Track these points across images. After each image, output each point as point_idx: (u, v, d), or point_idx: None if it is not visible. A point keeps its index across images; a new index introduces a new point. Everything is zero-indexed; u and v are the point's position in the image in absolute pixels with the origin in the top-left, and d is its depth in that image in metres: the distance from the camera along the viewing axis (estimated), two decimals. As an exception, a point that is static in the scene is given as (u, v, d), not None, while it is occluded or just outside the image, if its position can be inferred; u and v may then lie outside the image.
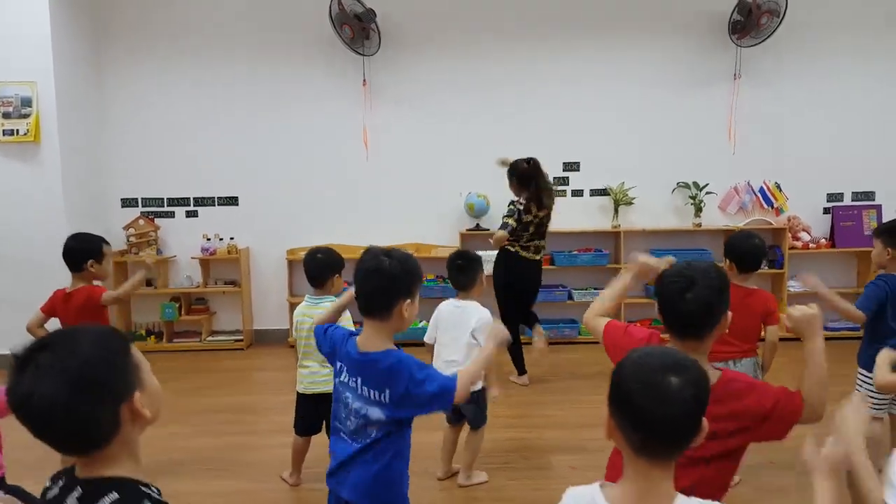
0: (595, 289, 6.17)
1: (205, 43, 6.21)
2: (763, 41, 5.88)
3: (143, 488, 1.17)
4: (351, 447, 1.97)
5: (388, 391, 1.89)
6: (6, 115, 5.50)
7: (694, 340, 1.70)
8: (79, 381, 1.08)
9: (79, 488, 1.16)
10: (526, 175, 4.79)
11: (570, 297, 6.18)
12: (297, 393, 3.26)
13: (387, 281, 1.91)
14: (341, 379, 2.02)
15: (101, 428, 1.12)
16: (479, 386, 3.19)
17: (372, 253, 1.97)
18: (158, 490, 1.20)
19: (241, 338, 6.27)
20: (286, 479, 3.36)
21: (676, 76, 6.23)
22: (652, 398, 1.18)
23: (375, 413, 1.91)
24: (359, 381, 1.95)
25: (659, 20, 6.18)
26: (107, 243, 3.35)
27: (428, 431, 3.03)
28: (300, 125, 6.26)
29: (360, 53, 6.01)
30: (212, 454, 3.77)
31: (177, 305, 6.22)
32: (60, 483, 1.20)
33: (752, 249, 3.22)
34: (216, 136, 6.27)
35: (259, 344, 6.38)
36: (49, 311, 3.25)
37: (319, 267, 3.18)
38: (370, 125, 6.19)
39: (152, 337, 6.24)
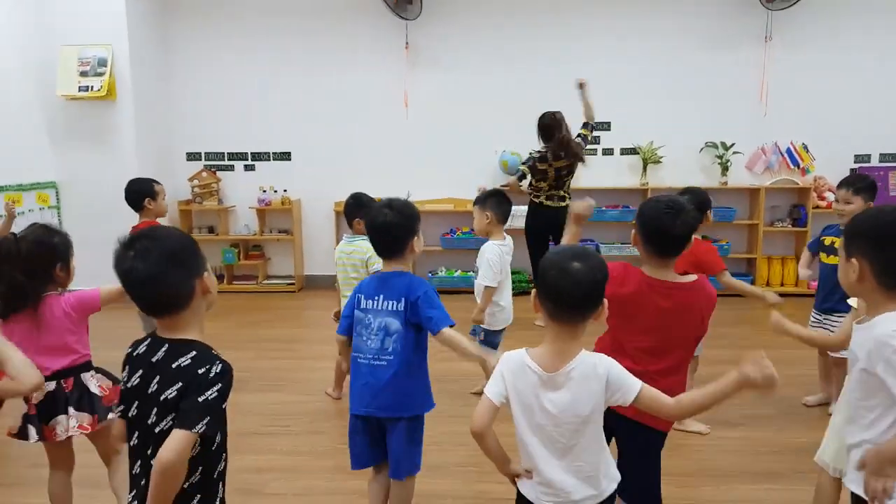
0: (622, 243, 6.54)
1: (260, 9, 6.70)
2: (793, 4, 6.02)
3: (214, 351, 1.54)
4: (380, 369, 2.24)
5: (404, 299, 2.24)
6: (83, 74, 6.13)
7: (671, 258, 2.05)
8: (168, 258, 1.48)
9: (166, 345, 1.52)
10: (547, 127, 5.23)
11: (598, 251, 6.55)
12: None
13: (394, 229, 2.28)
14: (361, 307, 2.31)
15: (182, 294, 1.52)
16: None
17: (376, 209, 2.33)
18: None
19: (293, 282, 6.88)
20: (330, 393, 3.93)
21: (707, 37, 6.42)
22: (561, 276, 1.60)
23: (394, 324, 2.24)
24: (380, 297, 2.28)
25: (692, -17, 6.36)
26: (158, 183, 3.97)
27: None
28: (347, 86, 6.72)
29: (402, 17, 6.39)
30: (268, 374, 4.37)
31: (236, 251, 6.86)
32: (146, 343, 1.56)
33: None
34: (271, 96, 6.80)
35: (309, 287, 6.99)
36: None
37: (349, 211, 3.64)
38: (410, 86, 6.61)
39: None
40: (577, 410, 1.61)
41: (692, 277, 2.08)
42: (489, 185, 6.56)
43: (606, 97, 6.49)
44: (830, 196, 6.42)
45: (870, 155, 6.50)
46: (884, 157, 6.49)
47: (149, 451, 1.50)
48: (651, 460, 2.15)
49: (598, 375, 1.61)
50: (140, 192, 3.87)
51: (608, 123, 6.63)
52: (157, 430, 1.48)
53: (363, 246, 3.48)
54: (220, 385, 1.47)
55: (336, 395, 3.90)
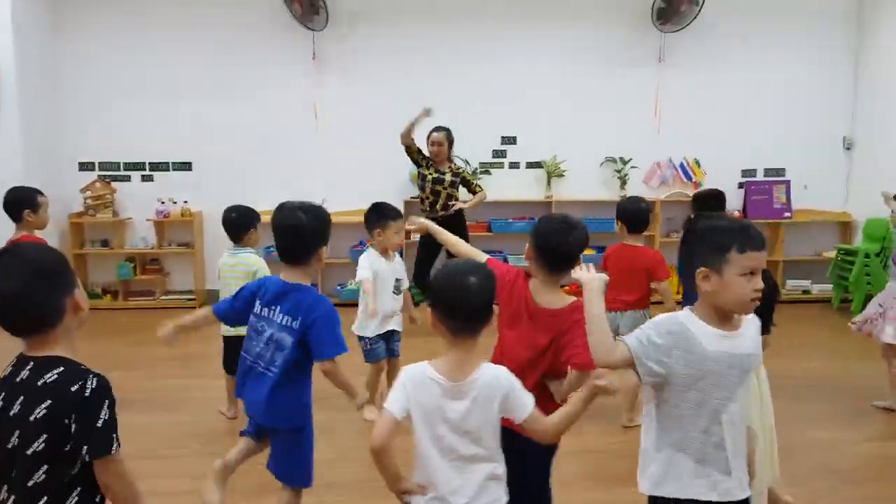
0: (528, 254, 6.68)
1: (159, 13, 6.45)
2: (684, 28, 6.37)
3: (83, 367, 1.47)
4: (264, 376, 2.23)
5: (301, 318, 2.18)
6: (-37, 80, 5.71)
7: (559, 275, 2.09)
8: (34, 275, 1.43)
9: (31, 363, 1.45)
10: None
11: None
12: (223, 336, 3.64)
13: (307, 234, 2.20)
14: (256, 312, 2.28)
15: (50, 313, 1.45)
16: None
17: (287, 209, 2.22)
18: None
19: (193, 297, 6.62)
20: (224, 412, 3.79)
21: (607, 58, 6.70)
22: (459, 292, 1.65)
23: (287, 339, 2.20)
24: (277, 309, 2.23)
25: (591, 5, 6.62)
26: (41, 194, 3.71)
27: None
28: (252, 96, 6.56)
29: (309, 28, 6.32)
30: (162, 394, 4.18)
31: (132, 265, 6.54)
32: (11, 364, 1.49)
33: (639, 212, 3.69)
34: (171, 104, 6.54)
35: (211, 303, 6.67)
36: None
37: (236, 224, 3.56)
38: (319, 97, 6.54)
39: (108, 295, 6.56)
40: (478, 421, 1.65)
41: (570, 300, 2.10)
42: (399, 196, 6.57)
43: (513, 112, 6.70)
44: (720, 209, 6.81)
45: (755, 170, 6.94)
46: (768, 172, 6.95)
47: (12, 474, 1.42)
48: (545, 471, 2.19)
49: (500, 387, 1.66)
50: (19, 203, 3.59)
51: (514, 138, 6.79)
52: (27, 452, 1.40)
53: (249, 259, 3.46)
54: (107, 401, 1.43)
55: (231, 413, 3.77)
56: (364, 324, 3.65)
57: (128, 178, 6.66)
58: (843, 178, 6.95)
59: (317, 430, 2.40)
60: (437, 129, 5.60)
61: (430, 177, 5.55)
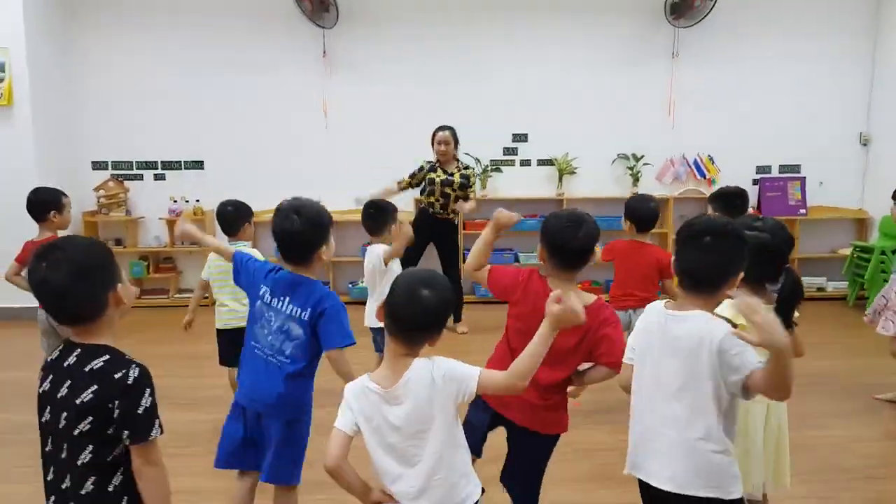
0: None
1: (171, 14, 6.48)
2: (698, 22, 6.31)
3: (127, 356, 1.56)
4: (274, 366, 2.23)
5: (310, 309, 2.21)
6: (-22, 80, 5.76)
7: (573, 272, 2.09)
8: (79, 272, 1.50)
9: (78, 350, 1.55)
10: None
11: (517, 259, 6.65)
12: (217, 329, 3.65)
13: (303, 238, 2.21)
14: (264, 301, 2.26)
15: (93, 305, 1.54)
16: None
17: (283, 213, 2.20)
18: None
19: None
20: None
21: (620, 54, 6.65)
22: (408, 301, 1.64)
23: (297, 330, 2.22)
24: (287, 300, 2.23)
25: (604, 1, 6.57)
26: (65, 195, 3.76)
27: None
28: (263, 94, 6.58)
29: (319, 26, 6.33)
30: (176, 391, 4.21)
31: (145, 264, 6.58)
32: (59, 349, 1.59)
33: (648, 212, 3.68)
34: (183, 103, 6.58)
35: (224, 301, 6.76)
36: (23, 260, 3.61)
37: (230, 218, 3.59)
38: (329, 95, 6.54)
39: (122, 293, 6.59)
40: (422, 417, 1.63)
41: (592, 298, 2.10)
42: (410, 194, 6.54)
43: (524, 110, 6.67)
44: (734, 205, 6.75)
45: (770, 166, 6.87)
46: (783, 168, 6.88)
47: (62, 456, 1.52)
48: (540, 465, 2.20)
49: (434, 377, 1.63)
50: (46, 203, 3.62)
51: (525, 135, 6.76)
52: (74, 433, 1.49)
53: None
54: (148, 389, 1.53)
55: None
56: (373, 317, 3.67)
57: (140, 178, 6.70)
58: (859, 174, 6.87)
59: (313, 428, 2.38)
60: (442, 128, 5.48)
61: (438, 179, 5.43)
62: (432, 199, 5.48)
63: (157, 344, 5.27)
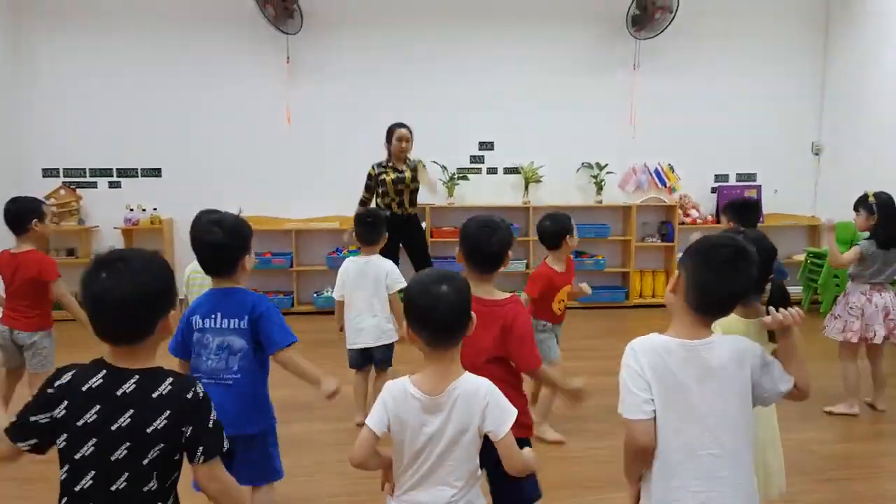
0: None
1: (129, 16, 6.28)
2: (658, 34, 6.44)
3: (181, 374, 1.51)
4: (224, 387, 2.16)
5: (247, 317, 2.18)
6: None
7: (489, 274, 2.16)
8: (148, 291, 1.42)
9: (136, 376, 1.44)
10: None
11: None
12: None
13: (225, 249, 2.20)
14: (198, 328, 2.21)
15: (148, 328, 1.45)
16: (394, 338, 3.60)
17: (203, 225, 2.19)
18: None
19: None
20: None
21: (583, 64, 6.74)
22: (433, 303, 1.61)
23: (238, 342, 2.18)
24: (218, 315, 2.19)
25: (568, 12, 6.66)
26: (45, 202, 3.58)
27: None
28: (223, 99, 6.43)
29: (283, 32, 6.22)
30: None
31: (100, 275, 6.32)
32: (102, 374, 1.44)
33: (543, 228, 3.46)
34: (140, 108, 6.37)
35: (182, 311, 6.55)
36: None
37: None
38: (292, 101, 6.43)
39: (75, 306, 6.33)
40: (455, 432, 1.62)
41: (505, 295, 2.18)
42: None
43: (490, 118, 6.69)
44: (694, 213, 6.90)
45: (728, 174, 7.05)
46: (740, 177, 7.07)
47: (118, 487, 1.42)
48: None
49: (480, 399, 1.63)
50: (27, 212, 3.34)
51: (492, 143, 6.78)
52: (143, 462, 1.41)
53: None
54: (212, 404, 1.50)
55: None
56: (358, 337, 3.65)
57: (94, 185, 6.45)
58: (811, 182, 7.11)
59: (294, 443, 2.34)
60: (401, 125, 5.38)
61: (389, 179, 5.34)
62: (388, 200, 5.40)
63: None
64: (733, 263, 1.60)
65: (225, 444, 1.51)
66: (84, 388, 1.44)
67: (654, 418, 1.58)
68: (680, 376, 1.59)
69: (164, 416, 1.42)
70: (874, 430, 3.76)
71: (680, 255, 6.24)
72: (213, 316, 2.20)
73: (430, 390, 1.63)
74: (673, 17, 6.31)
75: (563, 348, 3.58)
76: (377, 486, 1.78)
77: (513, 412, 1.64)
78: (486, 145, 6.78)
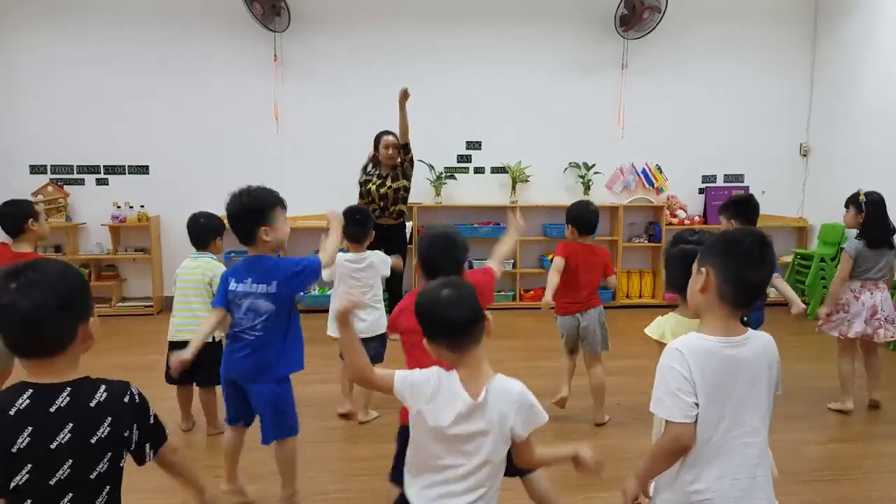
0: (493, 259, 6.68)
1: (117, 14, 6.28)
2: (646, 35, 6.44)
3: (109, 379, 1.47)
4: (247, 341, 2.52)
5: (275, 282, 2.48)
6: None
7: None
8: (61, 296, 1.35)
9: (68, 388, 1.38)
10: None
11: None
12: (170, 342, 3.50)
13: (239, 219, 2.51)
14: (231, 288, 2.53)
15: (63, 338, 1.38)
16: (382, 329, 3.63)
17: (233, 195, 2.56)
18: None
19: (150, 304, 6.45)
20: (180, 424, 3.69)
21: (571, 64, 6.74)
22: (445, 309, 1.64)
23: (264, 305, 2.49)
24: (249, 280, 2.51)
25: (556, 12, 6.66)
26: (36, 203, 3.67)
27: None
28: (211, 97, 6.44)
29: (270, 29, 6.22)
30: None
31: (86, 272, 6.34)
32: (28, 393, 1.35)
33: (587, 215, 3.71)
34: (127, 105, 6.38)
35: (169, 309, 6.44)
36: None
37: (203, 230, 3.50)
38: (280, 99, 6.43)
39: (61, 302, 6.33)
40: (487, 432, 1.64)
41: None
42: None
43: (478, 117, 6.70)
44: (682, 213, 6.91)
45: (715, 176, 7.06)
46: (728, 178, 7.07)
47: None
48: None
49: (512, 398, 1.66)
50: (23, 213, 3.36)
51: (479, 143, 6.79)
52: (90, 476, 1.37)
53: (209, 264, 3.43)
54: (147, 401, 1.51)
55: (185, 426, 3.67)
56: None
57: (81, 182, 6.46)
58: (799, 184, 7.12)
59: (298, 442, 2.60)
60: (387, 132, 5.41)
61: (374, 188, 5.41)
62: (373, 208, 5.41)
63: (101, 356, 5.03)
64: (761, 251, 1.65)
65: (165, 430, 1.54)
66: (11, 412, 1.34)
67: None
68: (724, 374, 1.62)
69: (106, 424, 1.39)
70: (862, 432, 3.78)
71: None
72: (245, 280, 2.52)
73: (471, 393, 1.65)
74: (661, 18, 6.32)
75: (550, 349, 3.60)
76: (368, 482, 1.79)
77: (543, 415, 1.68)
78: (474, 144, 6.79)
